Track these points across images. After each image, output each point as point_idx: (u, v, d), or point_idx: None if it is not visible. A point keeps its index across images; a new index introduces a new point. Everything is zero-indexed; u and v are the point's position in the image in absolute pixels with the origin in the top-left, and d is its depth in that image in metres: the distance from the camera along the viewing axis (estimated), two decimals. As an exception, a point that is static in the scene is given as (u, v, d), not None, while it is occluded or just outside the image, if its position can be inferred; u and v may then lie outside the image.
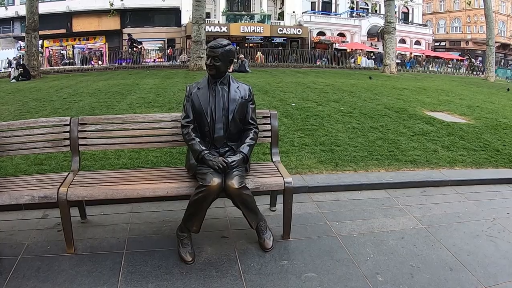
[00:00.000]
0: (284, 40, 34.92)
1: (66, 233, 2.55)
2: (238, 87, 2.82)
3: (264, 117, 3.22)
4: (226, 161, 2.54)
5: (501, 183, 4.39)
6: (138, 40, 27.50)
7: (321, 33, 36.30)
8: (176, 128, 3.10)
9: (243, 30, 33.30)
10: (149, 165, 4.26)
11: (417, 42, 40.89)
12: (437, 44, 44.34)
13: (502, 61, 39.65)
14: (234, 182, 2.48)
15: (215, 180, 2.44)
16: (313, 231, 3.09)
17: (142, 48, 26.48)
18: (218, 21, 33.84)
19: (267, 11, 35.95)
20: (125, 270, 2.44)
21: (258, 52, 28.76)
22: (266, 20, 35.38)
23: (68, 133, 2.94)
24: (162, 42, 33.20)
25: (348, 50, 34.40)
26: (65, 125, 2.95)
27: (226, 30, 32.68)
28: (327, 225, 3.21)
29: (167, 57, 25.07)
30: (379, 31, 36.64)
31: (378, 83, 13.84)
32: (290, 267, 2.57)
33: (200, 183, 2.46)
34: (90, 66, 23.76)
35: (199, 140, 2.65)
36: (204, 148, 2.61)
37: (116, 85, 10.86)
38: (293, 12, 35.64)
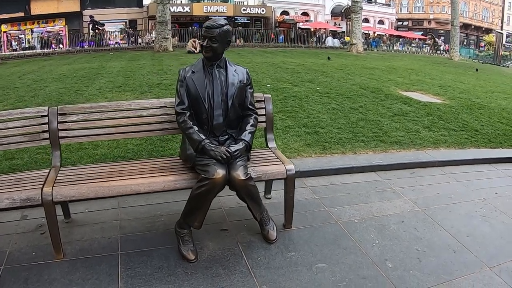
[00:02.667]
0: (247, 19, 34.45)
1: (53, 237, 2.30)
2: (235, 70, 2.62)
3: (257, 101, 3.05)
4: (229, 150, 2.36)
5: (484, 163, 4.52)
6: (101, 22, 26.18)
7: (285, 13, 36.05)
8: (166, 115, 2.87)
9: (206, 10, 32.54)
10: (130, 154, 4.00)
11: (381, 22, 41.55)
12: (400, 23, 45.24)
13: (465, 40, 41.22)
14: (240, 173, 2.32)
15: (220, 172, 2.26)
16: (313, 219, 3.01)
17: (104, 30, 25.21)
18: (181, 1, 32.77)
19: (231, -10, 35.21)
20: (123, 274, 2.24)
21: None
22: (229, -1, 34.72)
23: (47, 125, 2.64)
24: (124, 23, 31.70)
25: (312, 29, 34.44)
26: (42, 116, 2.64)
27: (189, 10, 31.80)
28: (327, 212, 3.14)
29: (130, 39, 23.93)
30: (342, 10, 36.84)
31: (348, 63, 13.92)
32: (299, 259, 2.47)
33: (203, 175, 2.27)
34: (51, 50, 22.25)
35: (197, 128, 2.45)
36: (204, 137, 2.42)
37: (82, 69, 10.22)
38: (257, -9, 35.12)
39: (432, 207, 3.35)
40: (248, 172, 2.40)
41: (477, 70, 14.78)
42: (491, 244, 2.79)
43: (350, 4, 35.89)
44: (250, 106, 2.67)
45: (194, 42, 16.07)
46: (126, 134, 2.88)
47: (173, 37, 18.35)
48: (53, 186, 2.29)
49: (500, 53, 26.70)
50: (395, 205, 3.36)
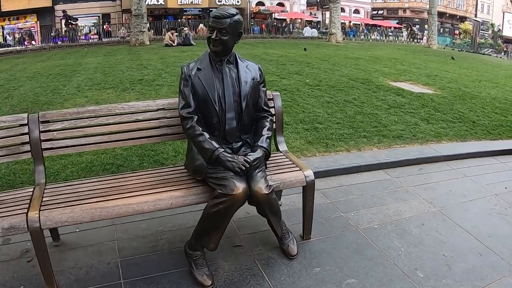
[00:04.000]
0: None
1: (43, 267, 1.95)
2: (247, 66, 2.31)
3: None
4: (248, 160, 2.06)
5: (487, 155, 4.43)
6: (74, 16, 25.08)
7: (260, 3, 35.76)
8: (165, 118, 2.55)
9: (181, 2, 32.02)
10: (119, 161, 3.65)
11: (356, 11, 41.75)
12: (375, 12, 45.57)
13: (441, 29, 41.96)
14: (262, 186, 2.03)
15: (239, 186, 1.96)
16: (331, 226, 2.77)
17: (77, 25, 24.17)
18: (156, -7, 31.91)
19: (206, -18, 34.53)
20: (131, 308, 1.93)
21: (200, 24, 27.43)
22: (204, -9, 34.07)
23: (27, 136, 2.26)
24: (97, 17, 30.53)
25: (288, 20, 34.23)
26: (21, 125, 2.26)
27: (163, 3, 31.22)
28: (343, 218, 2.91)
29: (105, 33, 22.96)
30: (318, 0, 36.73)
31: (330, 53, 13.77)
32: (325, 275, 2.23)
33: (220, 191, 1.97)
34: (23, 47, 21.06)
35: (208, 135, 2.13)
36: (217, 145, 2.11)
37: (57, 66, 9.60)
38: (232, -18, 34.56)
39: (448, 206, 3.20)
40: (270, 184, 2.12)
41: (453, 58, 14.70)
42: (515, 244, 2.65)
43: (326, -6, 36.19)
44: (264, 107, 2.38)
45: (172, 34, 15.50)
46: (121, 143, 2.53)
47: (149, 31, 17.66)
48: (40, 210, 1.94)
49: (477, 41, 27.25)
50: (411, 206, 3.17)
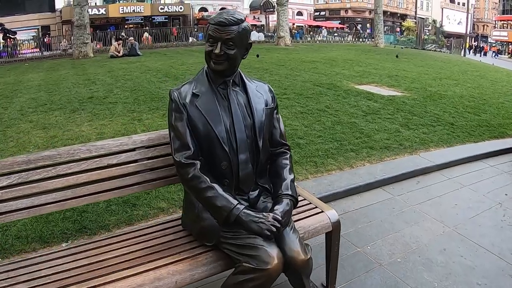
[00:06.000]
0: (165, 18, 33.28)
1: None
2: (256, 87, 1.81)
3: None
4: (278, 218, 1.57)
5: (476, 159, 4.37)
6: (12, 30, 23.16)
7: (204, 9, 35.42)
8: (147, 160, 2.00)
9: (123, 10, 30.97)
10: (90, 216, 2.91)
11: (299, 13, 42.60)
12: (317, 14, 46.79)
13: (384, 27, 43.95)
14: (300, 251, 1.55)
15: (274, 255, 1.46)
16: (352, 267, 2.39)
17: (16, 38, 22.15)
18: (95, 3, 30.42)
19: (147, -11, 33.63)
20: None
21: (145, 33, 26.29)
22: (146, -2, 33.15)
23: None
24: (36, 30, 28.36)
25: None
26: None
27: (104, 12, 30.05)
28: (361, 254, 2.55)
29: (45, 46, 21.12)
30: (261, 4, 36.91)
31: (284, 57, 13.56)
32: None
33: (248, 264, 1.46)
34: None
35: (221, 188, 1.61)
36: (234, 201, 1.59)
37: (-5, 85, 8.46)
38: (174, -12, 33.91)
39: (460, 224, 3.00)
40: (306, 242, 1.67)
41: (397, 56, 14.56)
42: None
43: (270, -3, 36.36)
44: (281, 140, 1.88)
45: (119, 45, 14.51)
46: (90, 198, 1.95)
47: (92, 42, 16.46)
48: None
49: (422, 37, 28.66)
50: (425, 228, 2.91)
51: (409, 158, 4.13)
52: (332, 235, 2.02)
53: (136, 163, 2.01)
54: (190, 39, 25.95)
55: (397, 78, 8.89)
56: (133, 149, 2.01)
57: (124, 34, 18.88)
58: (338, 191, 3.33)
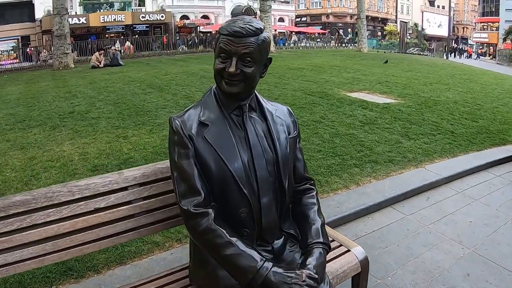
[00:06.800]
0: (147, 27, 33.00)
1: None
2: (276, 111, 1.48)
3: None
4: (312, 275, 1.24)
5: (482, 169, 4.24)
6: None
7: (185, 17, 35.20)
8: (142, 201, 1.69)
9: (104, 19, 30.61)
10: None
11: (281, 19, 42.73)
12: (298, 19, 47.08)
13: (367, 32, 44.58)
14: None
15: None
16: (375, 306, 2.16)
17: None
18: (76, 12, 29.87)
19: (127, -2, 33.27)
20: None
21: (127, 42, 25.81)
22: (126, 7, 33.03)
23: None
24: (16, 40, 27.58)
25: (214, 32, 33.95)
26: None
27: (85, 22, 29.73)
28: (382, 285, 2.31)
29: (26, 57, 20.38)
30: (243, 11, 36.85)
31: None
32: None
33: None
34: None
35: (243, 244, 1.26)
36: (260, 258, 1.24)
37: (-31, 100, 7.97)
38: (155, -4, 33.62)
39: (479, 244, 2.82)
40: None
41: (386, 62, 14.31)
42: None
43: (250, 4, 36.14)
44: (305, 174, 1.56)
45: (100, 55, 14.07)
46: (75, 251, 1.61)
47: (72, 52, 15.96)
48: None
49: (405, 41, 29.00)
50: (444, 251, 2.71)
51: (415, 171, 3.94)
52: (361, 276, 1.77)
53: (130, 205, 1.68)
54: (181, 47, 25.57)
55: (388, 84, 8.79)
56: (125, 188, 1.68)
57: (114, 47, 18.26)
58: (348, 214, 3.09)
